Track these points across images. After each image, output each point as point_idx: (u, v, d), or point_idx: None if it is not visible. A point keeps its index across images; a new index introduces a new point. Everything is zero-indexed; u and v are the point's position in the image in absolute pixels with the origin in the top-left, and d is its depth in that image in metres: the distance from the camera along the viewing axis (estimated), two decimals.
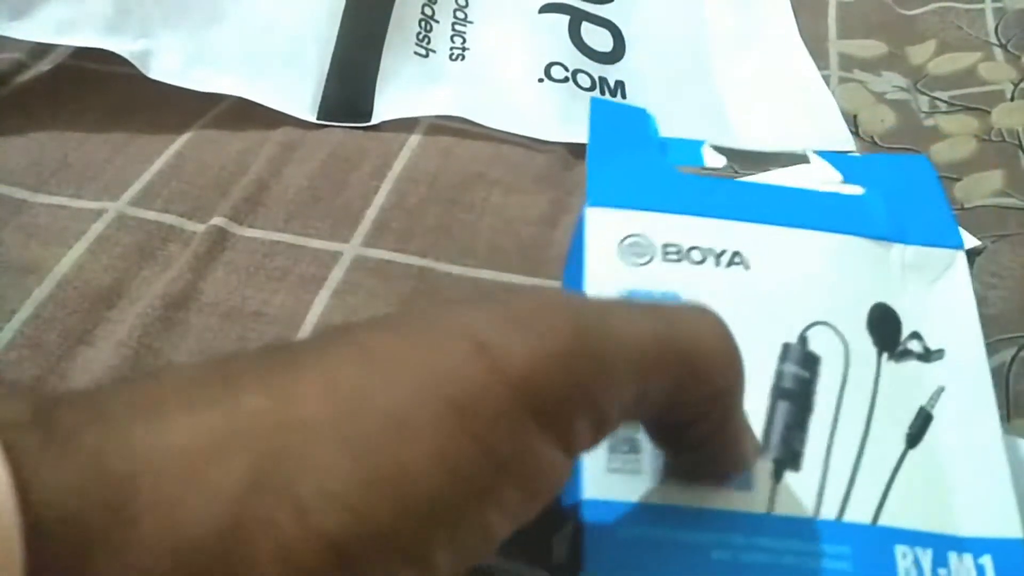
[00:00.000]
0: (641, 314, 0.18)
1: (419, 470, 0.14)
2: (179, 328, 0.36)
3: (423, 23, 0.53)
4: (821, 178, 0.25)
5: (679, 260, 0.22)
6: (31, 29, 0.46)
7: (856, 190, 0.25)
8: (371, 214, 0.42)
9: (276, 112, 0.48)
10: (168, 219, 0.42)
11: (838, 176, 0.25)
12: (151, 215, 0.42)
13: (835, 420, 0.21)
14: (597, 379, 0.16)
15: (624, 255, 0.22)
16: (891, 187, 0.25)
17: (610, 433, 0.17)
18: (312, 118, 0.48)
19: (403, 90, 0.50)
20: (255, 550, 0.13)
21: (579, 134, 0.49)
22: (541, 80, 0.50)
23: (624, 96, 0.52)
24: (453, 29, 0.54)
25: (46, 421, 0.13)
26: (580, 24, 0.54)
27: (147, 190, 0.43)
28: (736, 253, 0.22)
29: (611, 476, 0.19)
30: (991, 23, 0.57)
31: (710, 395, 0.18)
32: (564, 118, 0.49)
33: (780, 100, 0.52)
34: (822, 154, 0.26)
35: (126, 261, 0.39)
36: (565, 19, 0.54)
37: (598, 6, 0.56)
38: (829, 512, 0.20)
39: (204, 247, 0.39)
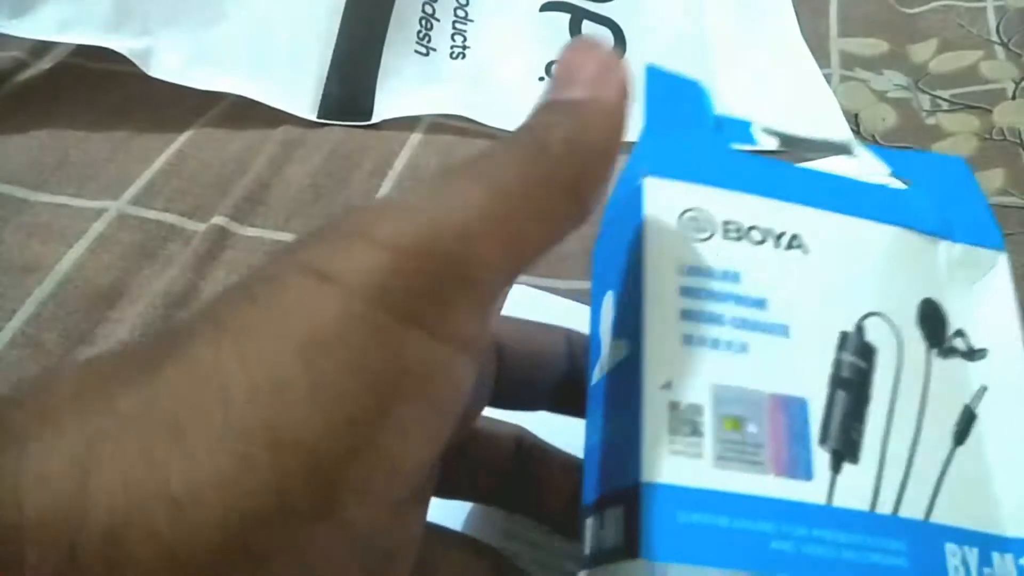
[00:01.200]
0: (468, 175, 0.17)
1: (292, 426, 0.14)
2: None
3: (424, 22, 0.53)
4: (869, 169, 0.25)
5: (739, 239, 0.21)
6: (32, 27, 0.46)
7: (902, 184, 0.24)
8: None
9: (277, 111, 0.48)
10: (169, 218, 0.42)
11: (886, 168, 0.25)
12: (152, 214, 0.42)
13: (890, 413, 0.21)
14: (451, 255, 0.15)
15: (684, 228, 0.21)
16: (934, 184, 0.24)
17: (497, 297, 0.17)
18: (313, 117, 0.48)
19: (404, 89, 0.50)
20: (141, 563, 0.13)
21: None
22: (542, 79, 0.50)
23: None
24: (454, 28, 0.54)
25: None
26: (581, 22, 0.54)
27: (148, 189, 0.43)
28: (795, 236, 0.22)
29: (671, 459, 0.19)
30: (992, 21, 0.57)
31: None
32: None
33: (781, 98, 0.52)
34: (867, 147, 0.26)
35: (127, 260, 0.39)
36: (566, 17, 0.54)
37: (599, 4, 0.56)
38: (885, 506, 0.19)
39: (205, 246, 0.39)
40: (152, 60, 0.47)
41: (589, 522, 0.20)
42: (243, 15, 0.50)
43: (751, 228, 0.22)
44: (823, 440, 0.20)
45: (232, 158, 0.45)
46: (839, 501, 0.19)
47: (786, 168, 0.24)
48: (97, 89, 0.50)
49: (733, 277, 0.21)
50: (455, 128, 0.48)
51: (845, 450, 0.20)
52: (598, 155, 0.18)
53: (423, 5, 0.53)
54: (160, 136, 0.46)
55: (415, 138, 0.47)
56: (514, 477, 0.25)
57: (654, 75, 0.24)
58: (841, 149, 0.26)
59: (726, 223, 0.22)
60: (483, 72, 0.51)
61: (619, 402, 0.20)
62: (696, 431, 0.19)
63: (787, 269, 0.21)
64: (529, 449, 0.25)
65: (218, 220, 0.41)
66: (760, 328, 0.20)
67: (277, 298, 0.15)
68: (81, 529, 0.13)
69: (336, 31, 0.50)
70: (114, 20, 0.47)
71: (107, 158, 0.45)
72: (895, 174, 0.25)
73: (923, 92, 0.52)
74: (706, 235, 0.21)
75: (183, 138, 0.46)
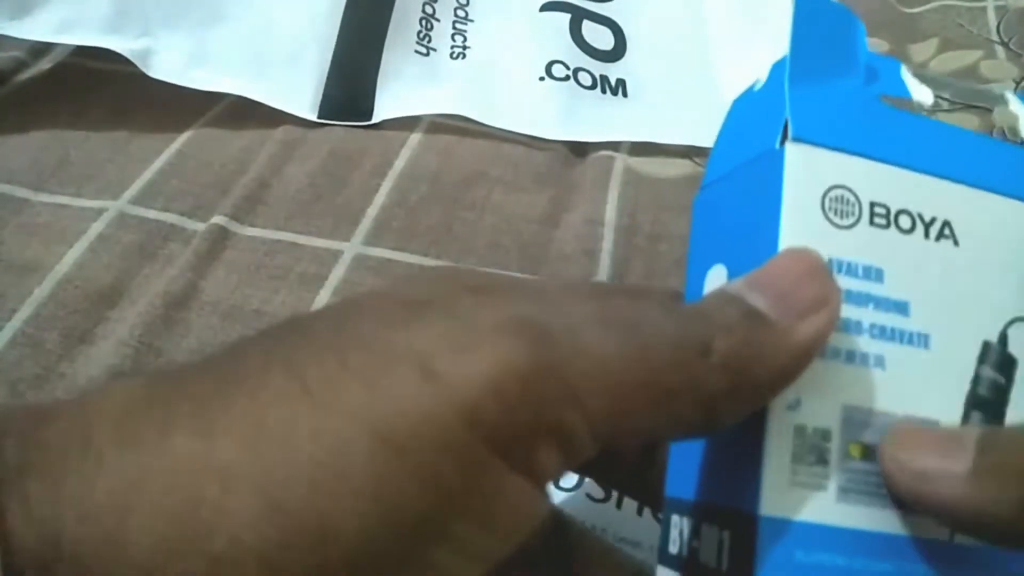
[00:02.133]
0: (616, 328, 0.16)
1: (345, 518, 0.13)
2: (180, 327, 0.36)
3: (424, 22, 0.53)
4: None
5: (887, 226, 0.19)
6: (32, 28, 0.46)
7: None
8: (372, 213, 0.42)
9: (277, 111, 0.48)
10: (169, 218, 0.42)
11: None
12: (152, 214, 0.42)
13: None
14: (559, 401, 0.15)
15: (828, 211, 0.18)
16: None
17: (584, 456, 0.16)
18: (313, 117, 0.48)
19: (404, 89, 0.50)
20: None
21: (580, 132, 0.49)
22: (542, 79, 0.50)
23: (625, 95, 0.52)
24: (454, 28, 0.54)
25: None
26: (581, 22, 0.54)
27: (148, 189, 0.43)
28: (946, 223, 0.19)
29: (793, 491, 0.17)
30: (993, 21, 0.57)
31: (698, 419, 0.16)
32: (565, 116, 0.49)
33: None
34: (1020, 96, 0.23)
35: (127, 260, 0.39)
36: (566, 17, 0.54)
37: (599, 4, 0.56)
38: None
39: (205, 246, 0.39)
40: (152, 60, 0.47)
41: (677, 520, 0.19)
42: (243, 15, 0.50)
43: (900, 212, 0.19)
44: None
45: (232, 158, 0.45)
46: (960, 538, 0.18)
47: (939, 131, 0.20)
48: (97, 89, 0.49)
49: (877, 275, 0.18)
50: (455, 128, 0.48)
51: None
52: (754, 387, 0.16)
53: (423, 5, 0.53)
54: (160, 136, 0.46)
55: (415, 138, 0.47)
56: (546, 558, 0.22)
57: (804, 2, 0.20)
58: (995, 99, 0.23)
59: (873, 205, 0.19)
60: (483, 72, 0.51)
61: None
62: (822, 459, 0.17)
63: (934, 265, 0.19)
64: (566, 535, 0.23)
65: (218, 220, 0.41)
66: (900, 338, 0.18)
67: (371, 377, 0.14)
68: (118, 566, 0.13)
69: (336, 31, 0.50)
70: (114, 21, 0.47)
71: (107, 158, 0.45)
72: None
73: None
74: (852, 220, 0.18)
75: (183, 138, 0.46)
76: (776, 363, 0.16)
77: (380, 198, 0.43)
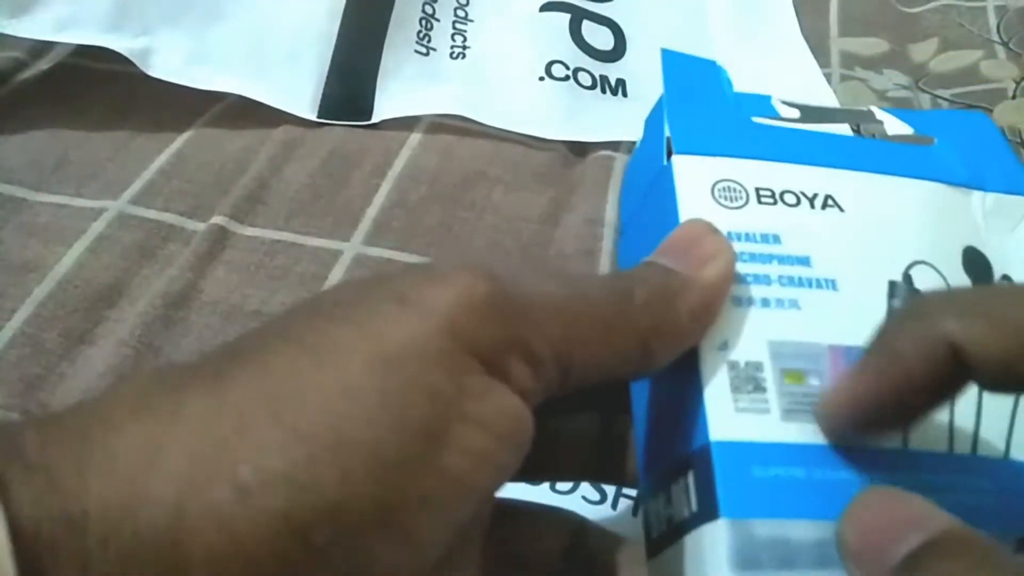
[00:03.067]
0: (555, 277, 0.19)
1: (359, 430, 0.15)
2: (180, 327, 0.36)
3: (424, 21, 0.53)
4: (892, 130, 0.25)
5: (774, 203, 0.22)
6: (31, 27, 0.46)
7: (927, 141, 0.24)
8: (372, 213, 0.42)
9: (276, 110, 0.48)
10: (168, 218, 0.42)
11: (908, 128, 0.25)
12: (151, 214, 0.42)
13: None
14: (518, 320, 0.17)
15: (718, 198, 0.21)
16: (959, 139, 0.25)
17: (549, 377, 0.17)
18: (313, 116, 0.48)
19: (404, 88, 0.50)
20: (203, 539, 0.13)
21: (580, 132, 0.49)
22: (542, 78, 0.50)
23: (625, 95, 0.52)
24: (454, 28, 0.54)
25: (17, 448, 0.14)
26: (581, 22, 0.54)
27: (147, 189, 0.43)
28: (829, 196, 0.22)
29: (738, 416, 0.18)
30: (993, 21, 0.57)
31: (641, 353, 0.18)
32: (565, 116, 0.49)
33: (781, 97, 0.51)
34: (886, 110, 0.26)
35: (126, 260, 0.39)
36: (566, 17, 0.54)
37: (599, 4, 0.56)
38: (963, 447, 0.19)
39: (204, 246, 0.39)
40: (151, 60, 0.47)
41: (652, 506, 0.20)
42: (243, 14, 0.50)
43: (784, 192, 0.22)
44: None
45: (232, 158, 0.45)
46: (915, 444, 0.19)
47: (810, 135, 0.24)
48: (97, 89, 0.49)
49: (774, 239, 0.21)
50: (455, 128, 0.48)
51: None
52: (674, 325, 0.19)
53: (423, 5, 0.53)
54: (160, 136, 0.46)
55: (415, 138, 0.47)
56: (568, 569, 0.23)
57: (670, 57, 0.24)
58: (862, 116, 0.25)
59: (759, 190, 0.22)
60: (483, 72, 0.51)
61: (670, 374, 0.20)
62: (759, 387, 0.19)
63: (826, 227, 0.21)
64: (587, 540, 0.23)
65: (218, 220, 0.41)
66: (808, 284, 0.20)
67: (355, 317, 0.16)
68: (145, 510, 0.13)
69: (336, 31, 0.50)
70: (113, 20, 0.47)
71: (107, 158, 0.45)
72: (918, 132, 0.24)
73: (923, 91, 0.52)
74: (740, 203, 0.21)
75: (183, 138, 0.46)
76: (689, 302, 0.19)
77: (380, 198, 0.43)
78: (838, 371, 0.19)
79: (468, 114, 0.48)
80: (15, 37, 0.46)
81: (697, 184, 0.21)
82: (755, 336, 0.19)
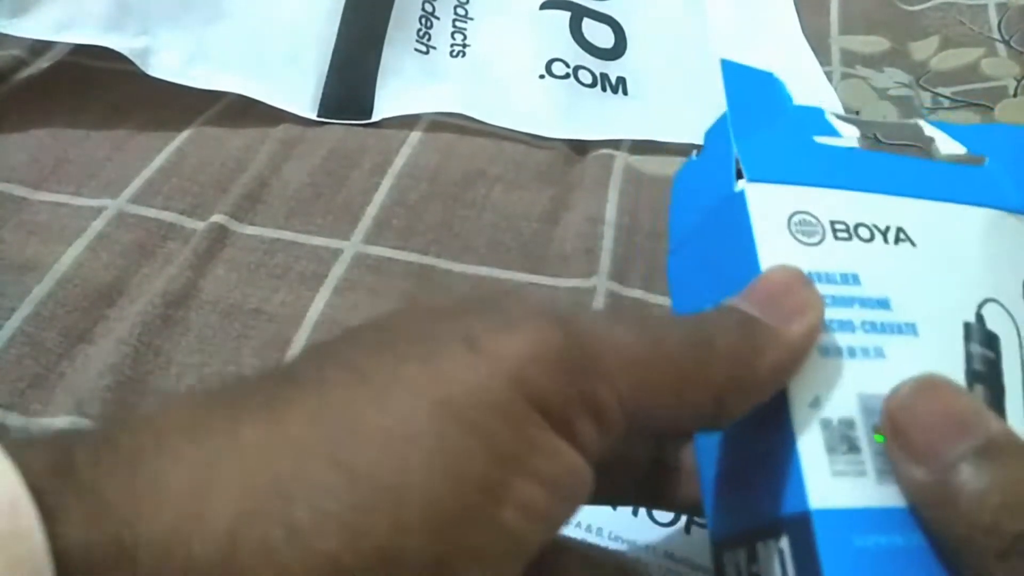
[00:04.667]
0: (630, 323, 0.18)
1: (415, 477, 0.14)
2: (179, 326, 0.36)
3: (423, 20, 0.53)
4: (945, 148, 0.24)
5: (849, 239, 0.21)
6: (31, 26, 0.46)
7: (979, 161, 0.24)
8: (372, 211, 0.42)
9: (276, 109, 0.48)
10: (168, 216, 0.41)
11: (961, 147, 0.24)
12: (151, 212, 0.42)
13: None
14: (589, 374, 0.16)
15: (795, 234, 0.20)
16: (1007, 157, 0.24)
17: (616, 432, 0.17)
18: (312, 115, 0.48)
19: (404, 87, 0.50)
20: (253, 571, 0.13)
21: (580, 130, 0.49)
22: (542, 77, 0.50)
23: (626, 93, 0.52)
24: (454, 26, 0.53)
25: (69, 466, 0.13)
26: (581, 20, 0.54)
27: (147, 187, 0.43)
28: (900, 229, 0.21)
29: (835, 481, 0.18)
30: (994, 19, 0.57)
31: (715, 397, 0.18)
32: (565, 114, 0.49)
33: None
34: (934, 124, 0.25)
35: (126, 259, 0.39)
36: (566, 15, 0.54)
37: (599, 2, 0.56)
38: None
39: (204, 244, 0.39)
40: (151, 59, 0.47)
41: (731, 556, 0.19)
42: (243, 14, 0.50)
43: (858, 225, 0.21)
44: None
45: (231, 156, 0.45)
46: None
47: (873, 158, 0.23)
48: (96, 88, 0.49)
49: (853, 279, 0.20)
50: (455, 126, 0.48)
51: None
52: (755, 379, 0.18)
53: (423, 3, 0.53)
54: (159, 135, 0.46)
55: (415, 136, 0.47)
56: None
57: (731, 69, 0.23)
58: (913, 130, 0.25)
59: (834, 223, 0.21)
60: (483, 70, 0.51)
61: (751, 425, 0.19)
62: (854, 447, 0.18)
63: (900, 264, 0.21)
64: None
65: (217, 218, 0.41)
66: (890, 330, 0.20)
67: (423, 356, 0.16)
68: (197, 541, 0.13)
69: (336, 29, 0.50)
70: (113, 19, 0.47)
71: (106, 157, 0.45)
72: (970, 151, 0.24)
73: (924, 89, 0.51)
74: (818, 239, 0.20)
75: (182, 137, 0.46)
76: (772, 357, 0.18)
77: (380, 196, 0.43)
78: None
79: (468, 112, 0.48)
80: (15, 36, 0.46)
81: (773, 217, 0.20)
82: (845, 391, 0.19)
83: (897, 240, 0.21)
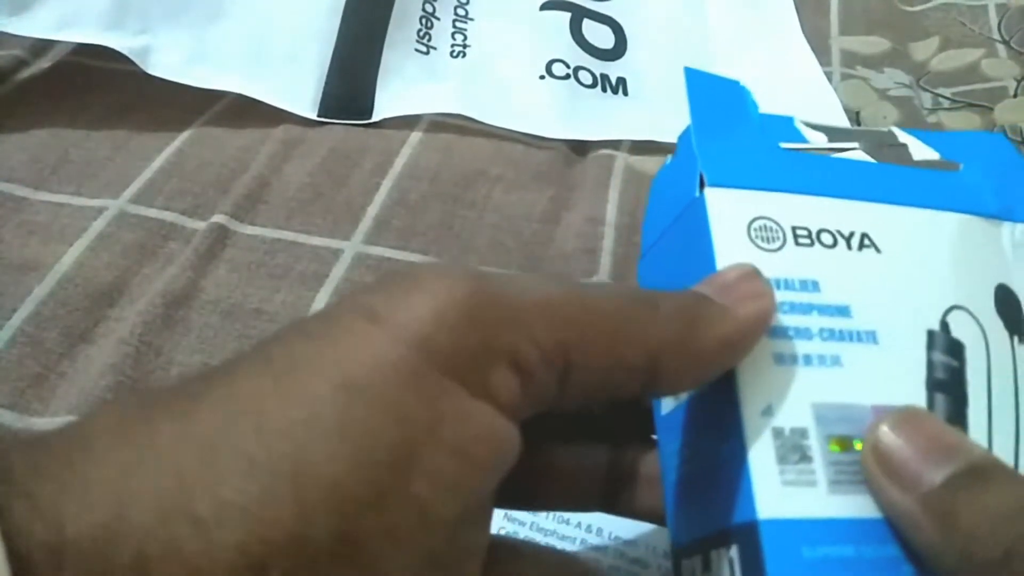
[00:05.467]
0: (561, 280, 0.17)
1: (319, 461, 0.14)
2: (180, 326, 0.36)
3: (424, 20, 0.53)
4: (917, 154, 0.24)
5: (811, 244, 0.20)
6: (31, 25, 0.46)
7: (953, 167, 0.23)
8: (372, 211, 0.42)
9: (277, 109, 0.48)
10: (169, 216, 0.42)
11: (934, 153, 0.24)
12: (152, 212, 0.42)
13: (988, 410, 0.20)
14: (502, 325, 0.16)
15: (755, 240, 0.20)
16: (984, 164, 0.24)
17: (542, 385, 0.16)
18: (313, 115, 0.48)
19: (404, 87, 0.50)
20: (166, 574, 0.13)
21: (580, 131, 0.49)
22: (542, 77, 0.50)
23: (626, 93, 0.52)
24: (454, 26, 0.53)
25: (6, 471, 0.13)
26: (581, 21, 0.54)
27: (148, 187, 0.43)
28: (864, 235, 0.21)
29: (785, 491, 0.17)
30: (994, 19, 0.57)
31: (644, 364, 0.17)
32: (565, 115, 0.49)
33: (782, 97, 0.51)
34: (907, 131, 0.25)
35: (127, 259, 0.39)
36: (566, 16, 0.54)
37: (599, 3, 0.56)
38: None
39: (205, 245, 0.39)
40: (151, 58, 0.47)
41: (688, 564, 0.19)
42: (243, 13, 0.50)
43: (821, 231, 0.21)
44: None
45: (232, 156, 0.45)
46: None
47: (841, 164, 0.23)
48: (97, 88, 0.49)
49: (813, 286, 0.20)
50: (455, 127, 0.48)
51: None
52: (697, 349, 0.17)
53: (423, 4, 0.53)
54: (160, 135, 0.46)
55: (415, 137, 0.47)
56: None
57: (695, 77, 0.23)
58: (886, 137, 0.25)
59: (795, 229, 0.20)
60: (483, 71, 0.51)
61: (707, 432, 0.19)
62: (805, 457, 0.18)
63: (863, 271, 0.20)
64: None
65: (218, 218, 0.41)
66: (849, 337, 0.19)
67: (325, 335, 0.15)
68: (115, 552, 0.13)
69: (336, 29, 0.50)
70: (113, 18, 0.47)
71: (107, 156, 0.45)
72: (944, 157, 0.23)
73: (924, 90, 0.52)
74: (777, 244, 0.20)
75: (183, 136, 0.46)
76: (719, 330, 0.18)
77: (380, 197, 0.43)
78: None
79: (468, 113, 0.48)
80: (15, 35, 0.46)
81: (732, 222, 0.20)
82: (799, 399, 0.18)
83: (861, 246, 0.21)
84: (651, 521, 0.23)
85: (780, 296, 0.19)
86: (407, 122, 0.48)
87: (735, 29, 0.56)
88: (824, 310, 0.20)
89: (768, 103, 0.51)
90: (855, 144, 0.24)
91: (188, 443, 0.14)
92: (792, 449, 0.18)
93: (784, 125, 0.24)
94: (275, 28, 0.50)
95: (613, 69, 0.53)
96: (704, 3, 0.58)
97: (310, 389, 0.14)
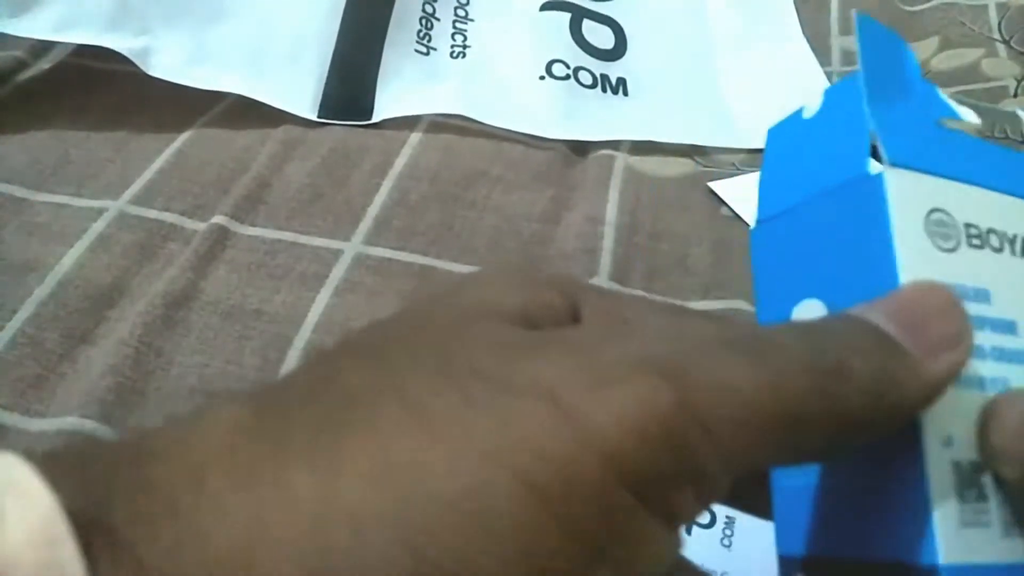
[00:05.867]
0: (745, 352, 0.15)
1: (487, 566, 0.12)
2: (180, 327, 0.36)
3: (424, 21, 0.53)
4: None
5: (982, 246, 0.18)
6: (31, 26, 0.46)
7: None
8: (372, 212, 0.42)
9: (277, 110, 0.48)
10: (169, 217, 0.42)
11: None
12: (152, 213, 0.42)
13: None
14: (701, 445, 0.14)
15: (933, 236, 0.17)
16: None
17: (712, 493, 0.15)
18: (313, 116, 0.48)
19: (404, 88, 0.50)
20: None
21: (580, 131, 0.49)
22: (542, 78, 0.50)
23: (626, 94, 0.52)
24: (454, 27, 0.53)
25: (105, 515, 0.12)
26: (581, 21, 0.54)
27: (148, 188, 0.43)
28: None
29: (963, 532, 0.16)
30: (994, 19, 0.57)
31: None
32: (565, 115, 0.49)
33: (782, 96, 0.51)
34: None
35: (127, 260, 0.39)
36: (566, 17, 0.54)
37: (599, 3, 0.56)
38: None
39: (205, 245, 0.39)
40: (151, 59, 0.47)
41: None
42: (243, 14, 0.50)
43: (990, 231, 0.18)
44: None
45: (232, 157, 0.45)
46: None
47: (996, 153, 0.20)
48: (97, 89, 0.49)
49: (985, 296, 0.17)
50: (455, 127, 0.48)
51: None
52: (887, 417, 0.15)
53: (423, 4, 0.53)
54: (160, 136, 0.46)
55: (415, 137, 0.47)
56: None
57: (866, 26, 0.20)
58: (1007, 117, 0.23)
59: (968, 227, 0.18)
60: (483, 71, 0.51)
61: (868, 448, 0.17)
62: (982, 495, 0.16)
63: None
64: None
65: (218, 219, 0.41)
66: (1016, 359, 0.17)
67: (495, 408, 0.13)
68: None
69: (336, 30, 0.50)
70: (113, 19, 0.47)
71: (107, 158, 0.45)
72: None
73: None
74: (953, 244, 0.18)
75: (183, 137, 0.46)
76: (909, 395, 0.15)
77: (380, 197, 0.43)
78: None
79: (468, 113, 0.48)
80: (15, 37, 0.46)
81: (913, 213, 0.17)
82: (974, 429, 0.16)
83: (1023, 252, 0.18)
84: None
85: None
86: (407, 123, 0.48)
87: (735, 29, 0.57)
88: (996, 326, 0.17)
89: (768, 103, 0.51)
90: (1002, 124, 0.21)
91: (334, 510, 0.12)
92: (970, 485, 0.16)
93: (933, 97, 0.21)
94: (275, 29, 0.50)
95: (613, 69, 0.53)
96: (704, 3, 0.58)
97: (485, 475, 0.13)
